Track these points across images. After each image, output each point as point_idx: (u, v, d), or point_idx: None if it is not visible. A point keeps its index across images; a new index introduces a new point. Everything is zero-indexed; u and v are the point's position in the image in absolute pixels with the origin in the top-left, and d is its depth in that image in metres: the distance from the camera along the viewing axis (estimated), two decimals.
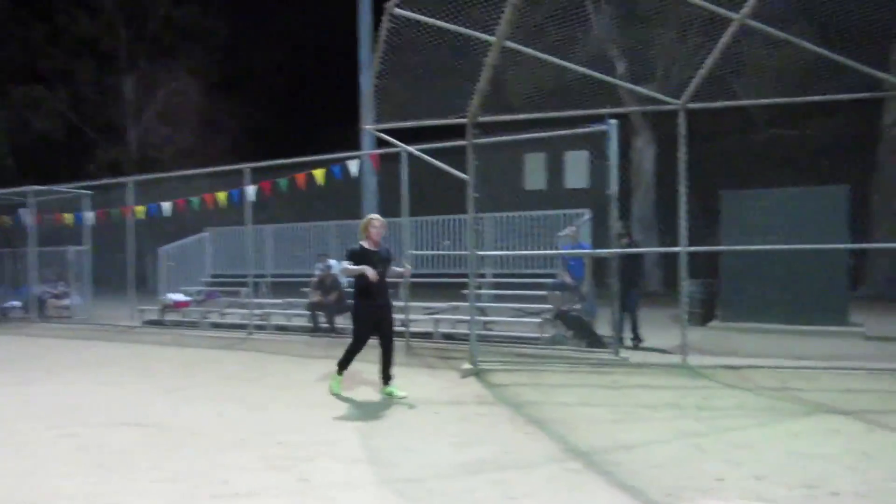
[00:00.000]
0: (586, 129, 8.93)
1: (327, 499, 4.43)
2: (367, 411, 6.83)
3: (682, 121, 8.24)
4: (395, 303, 13.07)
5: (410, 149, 9.45)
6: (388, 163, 11.97)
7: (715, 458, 5.16)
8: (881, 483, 4.57)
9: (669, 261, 22.71)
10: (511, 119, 8.43)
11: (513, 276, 12.37)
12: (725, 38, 7.30)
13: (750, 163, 20.54)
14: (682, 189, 8.30)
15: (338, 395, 7.44)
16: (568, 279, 10.88)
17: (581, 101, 8.42)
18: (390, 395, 7.35)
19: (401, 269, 7.67)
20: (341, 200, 17.70)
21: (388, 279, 7.41)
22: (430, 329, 11.64)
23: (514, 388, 7.72)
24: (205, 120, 31.14)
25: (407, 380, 8.39)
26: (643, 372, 8.36)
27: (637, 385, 7.72)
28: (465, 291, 12.21)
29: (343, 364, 7.52)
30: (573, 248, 10.63)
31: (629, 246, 10.54)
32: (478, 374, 8.43)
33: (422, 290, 13.11)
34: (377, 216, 7.45)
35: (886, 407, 6.63)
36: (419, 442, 5.70)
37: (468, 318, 8.97)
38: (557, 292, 10.94)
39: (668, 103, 8.36)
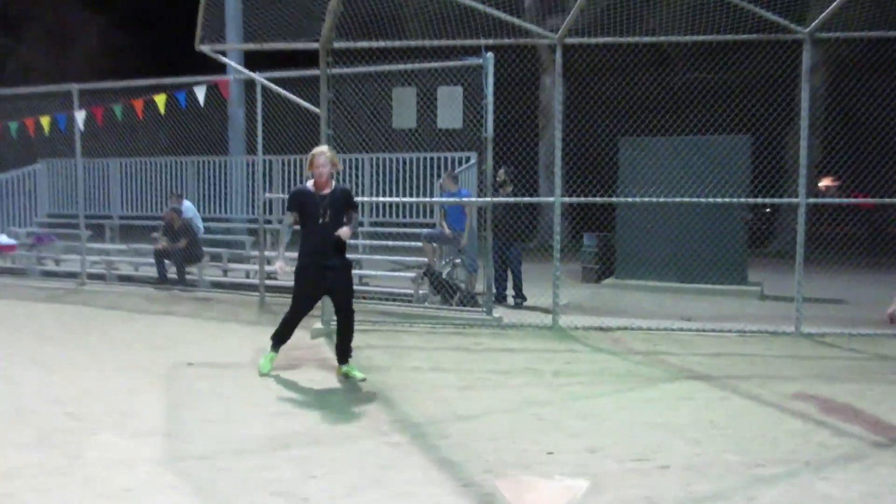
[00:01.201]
0: (460, 63, 8.75)
1: (89, 479, 4.20)
2: (187, 378, 6.59)
3: (558, 57, 8.16)
4: (253, 252, 12.88)
5: (257, 76, 9.03)
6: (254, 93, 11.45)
7: (554, 428, 5.22)
8: (716, 455, 4.71)
9: (576, 212, 23.16)
10: (370, 47, 8.15)
11: (390, 225, 12.23)
12: None
13: (667, 108, 20.97)
14: (558, 133, 8.27)
15: (268, 376, 6.61)
16: (446, 230, 10.83)
17: (456, 31, 8.24)
18: (347, 375, 6.52)
19: (344, 230, 6.36)
20: (212, 135, 16.98)
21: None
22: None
23: (366, 351, 7.62)
24: (55, 32, 29.19)
25: (246, 340, 8.19)
26: (510, 334, 8.43)
27: (499, 349, 7.77)
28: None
29: (278, 338, 6.68)
30: (453, 197, 10.54)
31: (514, 195, 10.53)
32: (330, 334, 8.29)
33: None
34: (323, 149, 6.39)
35: (752, 371, 6.91)
36: (230, 413, 5.53)
37: None
38: (434, 244, 10.88)
39: (545, 36, 8.26)
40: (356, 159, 10.89)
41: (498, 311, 9.37)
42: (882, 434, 5.11)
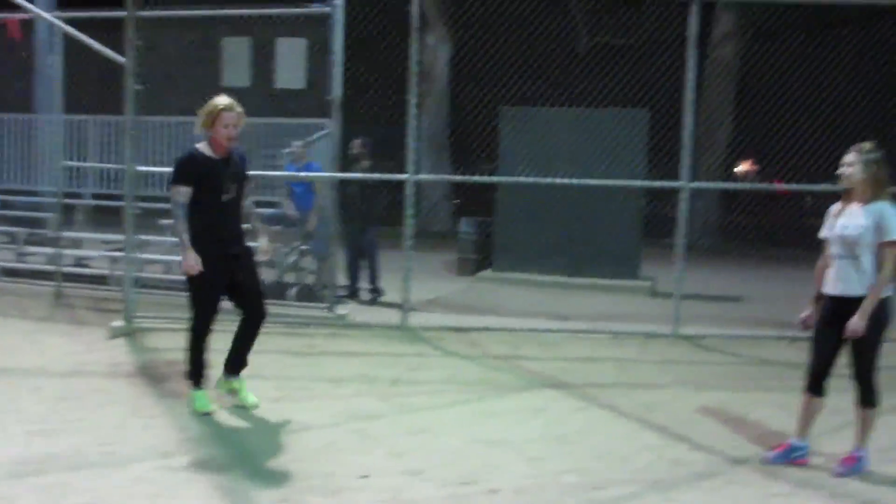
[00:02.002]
0: (302, 10, 8.56)
1: None
2: None
3: (414, 6, 8.08)
4: (42, 231, 12.30)
5: (49, 16, 8.56)
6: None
7: (377, 447, 5.17)
8: (554, 476, 4.77)
9: (461, 193, 23.33)
10: None
11: None
12: None
13: (571, 77, 21.31)
14: (412, 99, 8.23)
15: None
16: (290, 211, 10.63)
17: None
18: (234, 393, 5.88)
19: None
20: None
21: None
22: (105, 271, 10.96)
23: (174, 353, 7.34)
24: None
25: (27, 340, 7.81)
26: (352, 335, 8.36)
27: (336, 352, 7.69)
28: (165, 221, 11.72)
29: (192, 365, 5.78)
30: (300, 171, 10.34)
31: (372, 171, 10.41)
32: (132, 333, 7.99)
33: (103, 216, 12.32)
34: (231, 101, 5.64)
35: (618, 378, 7.09)
36: None
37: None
38: (277, 227, 10.66)
39: None
40: (181, 123, 10.49)
41: (345, 308, 9.27)
42: (738, 452, 5.31)
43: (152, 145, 10.39)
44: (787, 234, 19.65)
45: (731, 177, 27.85)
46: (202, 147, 5.68)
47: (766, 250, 19.32)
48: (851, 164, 4.87)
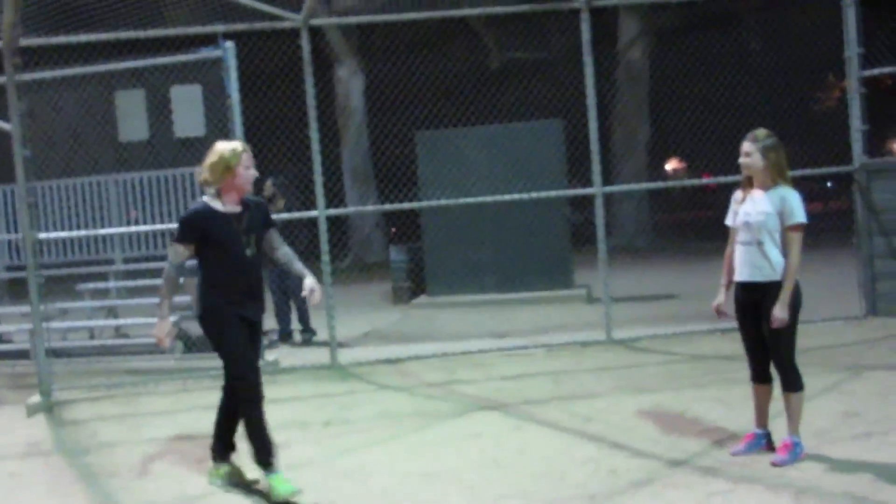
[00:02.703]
0: (194, 56, 8.38)
1: None
2: None
3: (304, 42, 7.98)
4: None
5: None
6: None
7: (310, 495, 4.96)
8: (492, 502, 4.63)
9: (395, 222, 23.21)
10: (76, 42, 7.63)
11: (147, 260, 11.59)
12: None
13: (488, 95, 21.41)
14: (314, 134, 8.08)
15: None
16: None
17: (184, 18, 7.93)
18: (225, 478, 5.25)
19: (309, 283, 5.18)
20: None
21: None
22: (25, 345, 10.55)
23: (95, 424, 7.12)
24: None
25: None
26: (282, 380, 8.14)
27: (266, 400, 7.42)
28: (83, 286, 11.36)
29: (263, 441, 5.01)
30: None
31: (287, 210, 10.22)
32: (51, 408, 7.65)
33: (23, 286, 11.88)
34: (238, 145, 5.06)
35: (555, 392, 6.99)
36: None
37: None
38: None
39: (287, 18, 8.07)
40: (96, 183, 10.13)
41: (274, 354, 9.04)
42: (676, 453, 5.23)
43: (58, 210, 10.03)
44: (719, 227, 19.87)
45: (663, 177, 28.28)
46: (210, 200, 5.02)
47: (700, 244, 19.52)
48: (749, 153, 4.87)
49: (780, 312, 4.71)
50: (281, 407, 7.15)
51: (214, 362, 8.88)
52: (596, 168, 8.48)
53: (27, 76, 7.70)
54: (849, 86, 8.66)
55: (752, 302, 4.85)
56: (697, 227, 21.76)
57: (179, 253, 5.03)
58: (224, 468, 5.27)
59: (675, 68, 21.36)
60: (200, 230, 4.96)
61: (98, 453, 6.22)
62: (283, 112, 10.84)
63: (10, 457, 6.35)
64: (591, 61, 8.36)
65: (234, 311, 4.98)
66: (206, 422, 6.78)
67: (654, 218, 22.52)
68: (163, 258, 11.85)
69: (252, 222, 5.05)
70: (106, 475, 5.66)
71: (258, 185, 10.50)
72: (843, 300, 9.01)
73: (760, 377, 5.02)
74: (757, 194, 4.86)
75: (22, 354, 10.45)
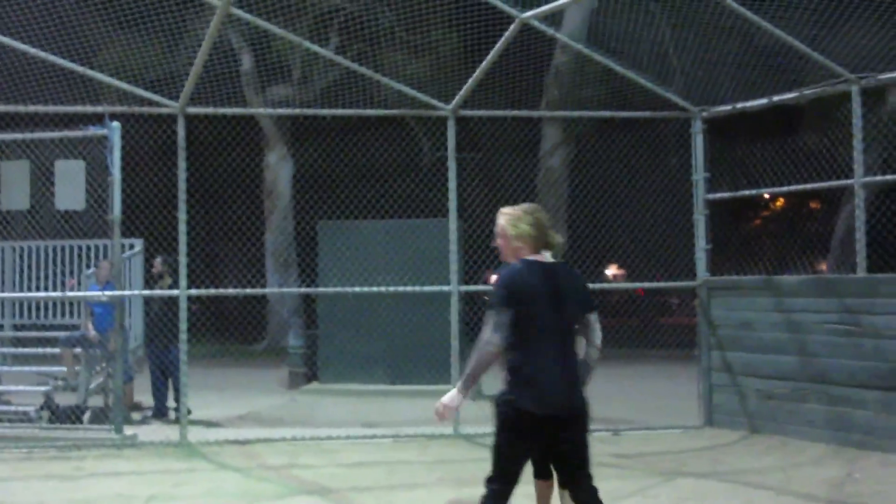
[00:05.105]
0: (80, 133, 8.72)
1: None
2: None
3: (180, 128, 8.37)
4: None
5: None
6: None
7: None
8: None
9: (313, 306, 23.30)
10: None
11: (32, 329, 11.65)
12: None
13: (412, 188, 21.93)
14: (182, 215, 8.40)
15: None
16: (90, 332, 10.50)
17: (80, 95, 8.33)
18: None
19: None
20: None
21: None
22: None
23: None
24: None
25: None
26: (126, 455, 8.23)
27: (104, 473, 7.54)
28: None
29: None
30: (103, 291, 10.28)
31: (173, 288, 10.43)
32: None
33: None
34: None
35: (383, 482, 7.21)
36: None
37: None
38: (75, 349, 10.50)
39: (165, 105, 8.49)
40: None
41: (132, 429, 9.14)
42: None
43: None
44: (650, 333, 20.12)
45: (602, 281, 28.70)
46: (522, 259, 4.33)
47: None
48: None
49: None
50: (113, 480, 7.30)
51: (70, 433, 9.04)
52: (454, 267, 8.88)
53: None
54: (695, 207, 9.24)
55: None
56: (627, 332, 22.12)
57: (503, 318, 4.19)
58: None
59: (592, 175, 22.20)
60: (519, 294, 4.23)
61: None
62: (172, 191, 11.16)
63: None
64: (454, 166, 8.89)
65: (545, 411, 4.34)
66: (38, 489, 6.92)
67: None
68: (48, 327, 11.97)
69: (571, 287, 4.37)
70: None
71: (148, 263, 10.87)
72: (687, 410, 9.37)
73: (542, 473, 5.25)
74: None
75: None
